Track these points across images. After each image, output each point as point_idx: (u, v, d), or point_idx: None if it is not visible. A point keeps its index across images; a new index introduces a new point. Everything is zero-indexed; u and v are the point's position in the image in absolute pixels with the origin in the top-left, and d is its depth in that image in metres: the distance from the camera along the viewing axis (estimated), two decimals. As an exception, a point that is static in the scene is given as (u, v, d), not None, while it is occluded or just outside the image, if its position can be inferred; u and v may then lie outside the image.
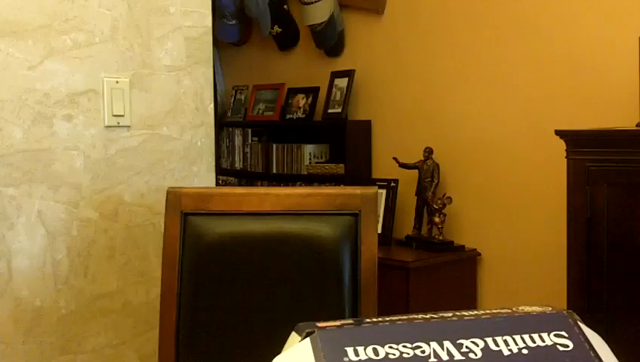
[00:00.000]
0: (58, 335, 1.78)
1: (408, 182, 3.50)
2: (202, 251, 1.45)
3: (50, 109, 1.74)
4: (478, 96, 3.34)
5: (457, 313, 0.64)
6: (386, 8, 3.70)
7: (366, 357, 0.56)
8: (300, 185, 3.83)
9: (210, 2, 2.06)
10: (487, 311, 0.64)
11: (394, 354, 0.56)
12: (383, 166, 3.72)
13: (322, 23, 3.83)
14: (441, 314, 0.63)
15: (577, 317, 0.64)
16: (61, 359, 1.78)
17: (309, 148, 3.96)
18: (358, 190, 1.48)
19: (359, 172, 3.75)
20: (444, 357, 0.58)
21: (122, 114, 1.85)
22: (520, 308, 0.65)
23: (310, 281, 1.43)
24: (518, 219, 3.22)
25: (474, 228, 3.39)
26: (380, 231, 3.40)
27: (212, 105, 2.06)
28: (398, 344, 0.57)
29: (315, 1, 3.80)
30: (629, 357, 2.20)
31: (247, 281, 1.44)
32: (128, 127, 1.88)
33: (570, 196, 2.42)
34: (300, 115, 4.00)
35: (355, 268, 1.44)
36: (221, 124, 4.36)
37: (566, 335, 0.61)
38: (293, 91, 4.08)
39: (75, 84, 1.77)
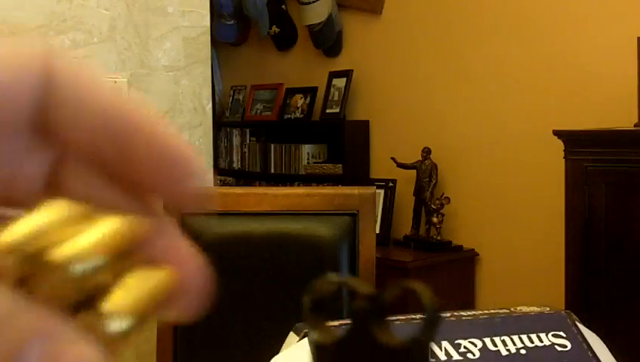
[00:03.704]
0: (56, 336, 1.77)
1: (406, 182, 3.50)
2: (200, 251, 1.45)
3: (48, 109, 1.73)
4: (476, 97, 3.34)
5: (455, 313, 0.64)
6: (384, 8, 3.70)
7: (364, 358, 0.56)
8: (298, 185, 3.82)
9: (209, 2, 2.06)
10: (485, 312, 0.64)
11: (392, 355, 0.56)
12: (381, 166, 3.72)
13: (320, 22, 3.83)
14: (439, 315, 0.63)
15: (575, 317, 0.64)
16: (59, 359, 1.78)
17: (307, 148, 3.96)
18: (355, 190, 1.48)
19: (357, 172, 3.75)
20: (442, 357, 0.58)
21: (120, 114, 1.85)
22: (518, 308, 0.66)
23: (308, 281, 1.43)
24: (516, 220, 3.22)
25: (472, 228, 3.39)
26: (378, 231, 3.40)
27: (210, 105, 2.06)
28: (396, 344, 0.57)
29: (313, 1, 3.80)
30: (627, 358, 2.20)
31: (245, 281, 1.44)
32: (126, 126, 1.88)
33: (569, 196, 2.43)
34: (298, 115, 4.00)
35: (353, 268, 1.44)
36: (219, 124, 4.36)
37: (564, 336, 0.61)
38: (292, 91, 4.08)
39: (73, 83, 1.77)
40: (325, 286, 0.22)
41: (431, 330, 0.21)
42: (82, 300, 0.21)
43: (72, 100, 0.22)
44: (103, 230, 0.21)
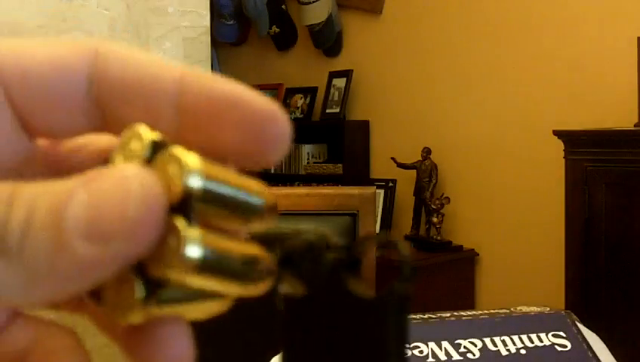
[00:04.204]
0: (56, 336, 1.77)
1: (406, 182, 3.50)
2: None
3: (48, 109, 1.73)
4: (476, 97, 3.34)
5: (455, 313, 0.64)
6: (384, 8, 3.70)
7: (364, 358, 0.56)
8: (299, 185, 3.82)
9: (209, 2, 2.06)
10: (485, 312, 0.64)
11: (392, 355, 0.56)
12: (381, 166, 3.72)
13: (320, 22, 3.83)
14: (439, 314, 0.63)
15: (575, 317, 0.64)
16: (59, 359, 1.78)
17: (307, 149, 3.96)
18: (355, 190, 1.48)
19: (357, 172, 3.75)
20: (442, 357, 0.58)
21: (120, 114, 1.85)
22: (518, 308, 0.66)
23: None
24: (516, 220, 3.22)
25: (472, 228, 3.39)
26: (377, 231, 3.40)
27: (210, 105, 2.06)
28: (396, 344, 0.57)
29: (313, 1, 3.80)
30: (627, 357, 2.20)
31: (245, 281, 1.44)
32: (126, 127, 1.88)
33: (569, 196, 2.43)
34: (298, 115, 4.00)
35: (353, 268, 1.44)
36: (219, 124, 4.36)
37: (564, 336, 0.61)
38: (291, 91, 4.08)
39: (73, 83, 1.77)
40: (296, 239, 0.22)
41: (407, 283, 0.21)
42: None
43: (119, 77, 0.23)
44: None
